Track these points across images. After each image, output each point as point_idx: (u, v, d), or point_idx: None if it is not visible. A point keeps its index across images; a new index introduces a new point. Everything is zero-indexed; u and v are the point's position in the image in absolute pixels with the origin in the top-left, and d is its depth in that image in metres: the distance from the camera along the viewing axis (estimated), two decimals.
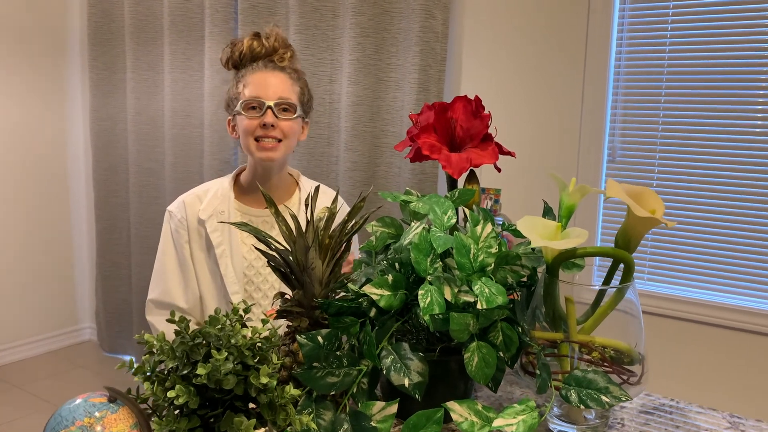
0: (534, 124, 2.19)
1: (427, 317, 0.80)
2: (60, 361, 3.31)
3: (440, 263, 0.86)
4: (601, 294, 0.93)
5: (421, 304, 0.81)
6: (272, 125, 1.39)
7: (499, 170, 1.19)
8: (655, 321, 2.05)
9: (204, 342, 0.74)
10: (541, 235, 0.88)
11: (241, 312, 0.79)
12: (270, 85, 1.41)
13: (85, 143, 3.45)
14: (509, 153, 1.15)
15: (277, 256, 0.86)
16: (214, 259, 1.45)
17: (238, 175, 1.54)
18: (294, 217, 0.83)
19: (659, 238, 2.05)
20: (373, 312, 0.86)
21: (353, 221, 0.87)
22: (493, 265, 0.89)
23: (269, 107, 1.39)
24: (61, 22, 3.34)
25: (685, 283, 2.02)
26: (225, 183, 1.52)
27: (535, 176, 2.20)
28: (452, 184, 1.17)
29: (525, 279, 0.96)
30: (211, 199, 1.48)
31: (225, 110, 1.54)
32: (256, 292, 1.48)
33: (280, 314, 0.86)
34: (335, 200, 0.93)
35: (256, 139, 1.41)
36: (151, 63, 2.97)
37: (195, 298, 1.47)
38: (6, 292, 3.25)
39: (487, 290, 0.82)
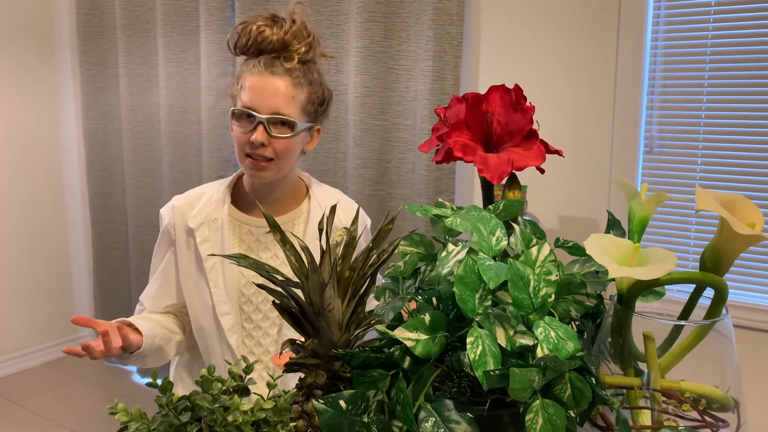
0: (561, 112, 2.00)
1: (479, 373, 0.62)
2: (60, 372, 3.16)
3: (490, 298, 0.68)
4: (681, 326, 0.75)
5: (471, 356, 0.63)
6: (262, 143, 1.19)
7: (542, 171, 1.01)
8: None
9: (193, 418, 0.57)
10: (614, 258, 0.70)
11: (240, 373, 0.62)
12: (267, 94, 1.20)
13: (78, 143, 3.27)
14: (556, 152, 0.97)
15: (284, 293, 0.69)
16: (204, 273, 1.26)
17: (239, 178, 1.35)
18: (305, 249, 0.65)
19: None
20: (406, 362, 0.68)
21: (380, 249, 0.69)
22: (553, 296, 0.71)
23: (260, 122, 1.19)
24: (49, 16, 3.15)
25: (747, 287, 1.83)
26: (222, 187, 1.33)
27: (564, 170, 2.02)
28: (488, 189, 0.99)
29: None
30: (204, 205, 1.29)
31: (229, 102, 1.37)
32: (256, 313, 1.29)
33: (291, 368, 0.69)
34: (355, 219, 0.75)
35: (247, 155, 1.22)
36: (144, 56, 2.79)
37: (164, 309, 1.31)
38: (0, 301, 3.09)
39: (553, 334, 0.65)
